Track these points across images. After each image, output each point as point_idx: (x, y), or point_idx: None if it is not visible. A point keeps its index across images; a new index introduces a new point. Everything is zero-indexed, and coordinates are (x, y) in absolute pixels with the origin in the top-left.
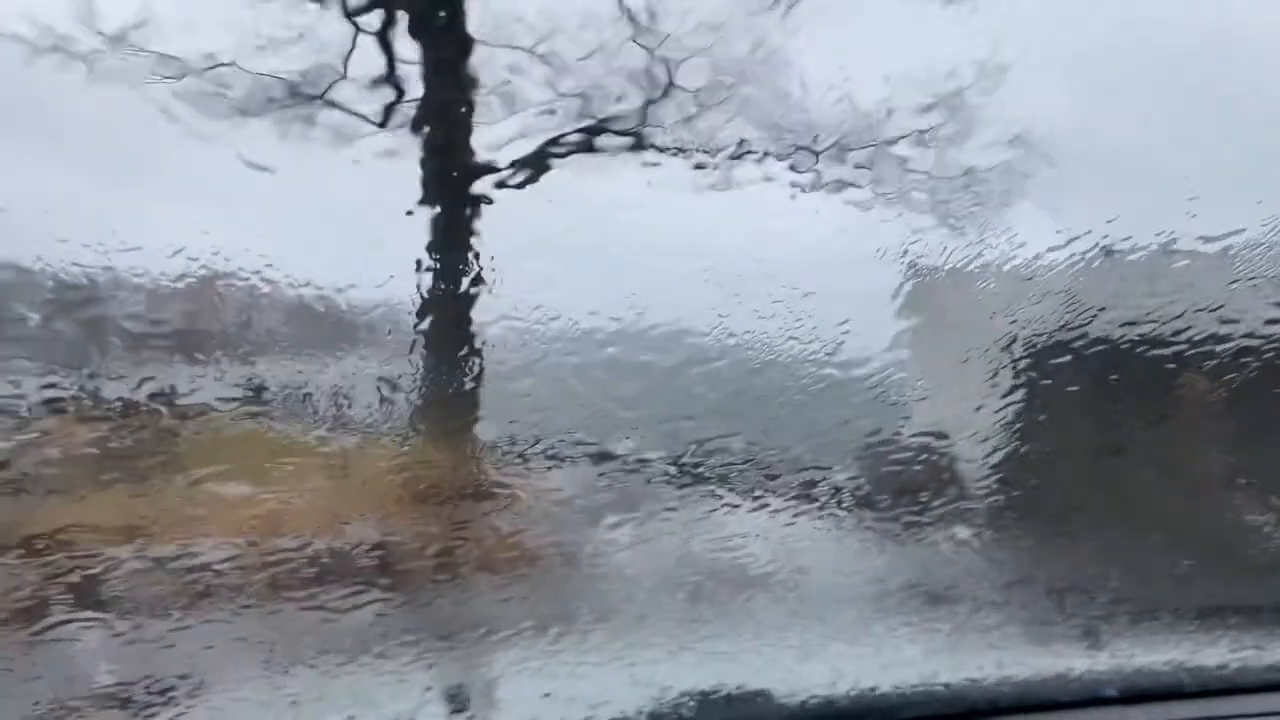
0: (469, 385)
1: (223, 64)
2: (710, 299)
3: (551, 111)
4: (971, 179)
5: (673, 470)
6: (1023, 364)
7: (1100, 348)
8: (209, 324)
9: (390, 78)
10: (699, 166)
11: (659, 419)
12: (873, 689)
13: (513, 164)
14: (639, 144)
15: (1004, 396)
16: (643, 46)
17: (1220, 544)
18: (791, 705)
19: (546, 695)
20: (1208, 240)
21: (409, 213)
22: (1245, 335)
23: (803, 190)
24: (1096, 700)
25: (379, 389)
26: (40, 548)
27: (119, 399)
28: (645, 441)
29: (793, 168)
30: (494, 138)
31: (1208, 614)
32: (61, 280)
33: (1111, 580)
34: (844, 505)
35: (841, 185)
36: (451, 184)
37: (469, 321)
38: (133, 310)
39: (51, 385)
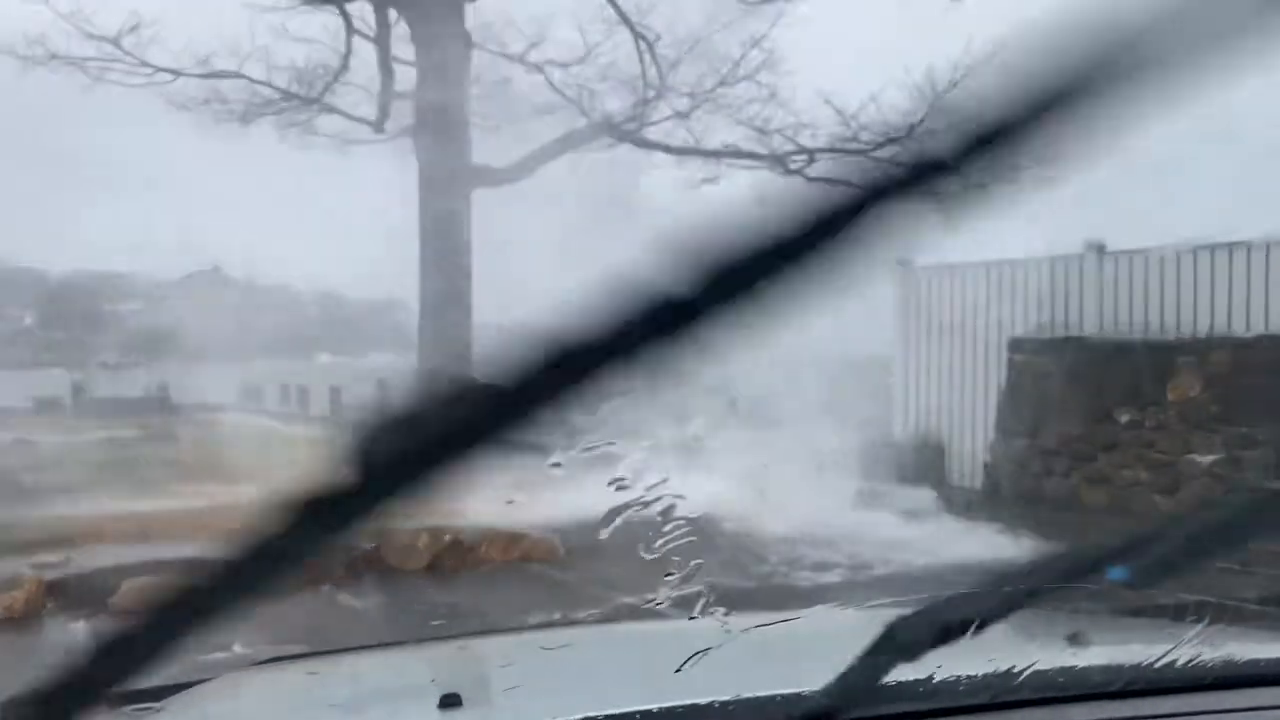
0: (467, 381)
1: (220, 70)
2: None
3: (546, 113)
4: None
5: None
6: (1013, 359)
7: (1089, 342)
8: (208, 324)
9: (387, 82)
10: (692, 166)
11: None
12: (860, 682)
13: (508, 166)
14: (633, 144)
15: (994, 390)
16: (635, 50)
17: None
18: (778, 698)
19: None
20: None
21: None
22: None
23: (793, 187)
24: (1078, 696)
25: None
26: None
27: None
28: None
29: (784, 166)
30: (489, 140)
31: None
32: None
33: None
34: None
35: (833, 183)
36: (448, 186)
37: (467, 319)
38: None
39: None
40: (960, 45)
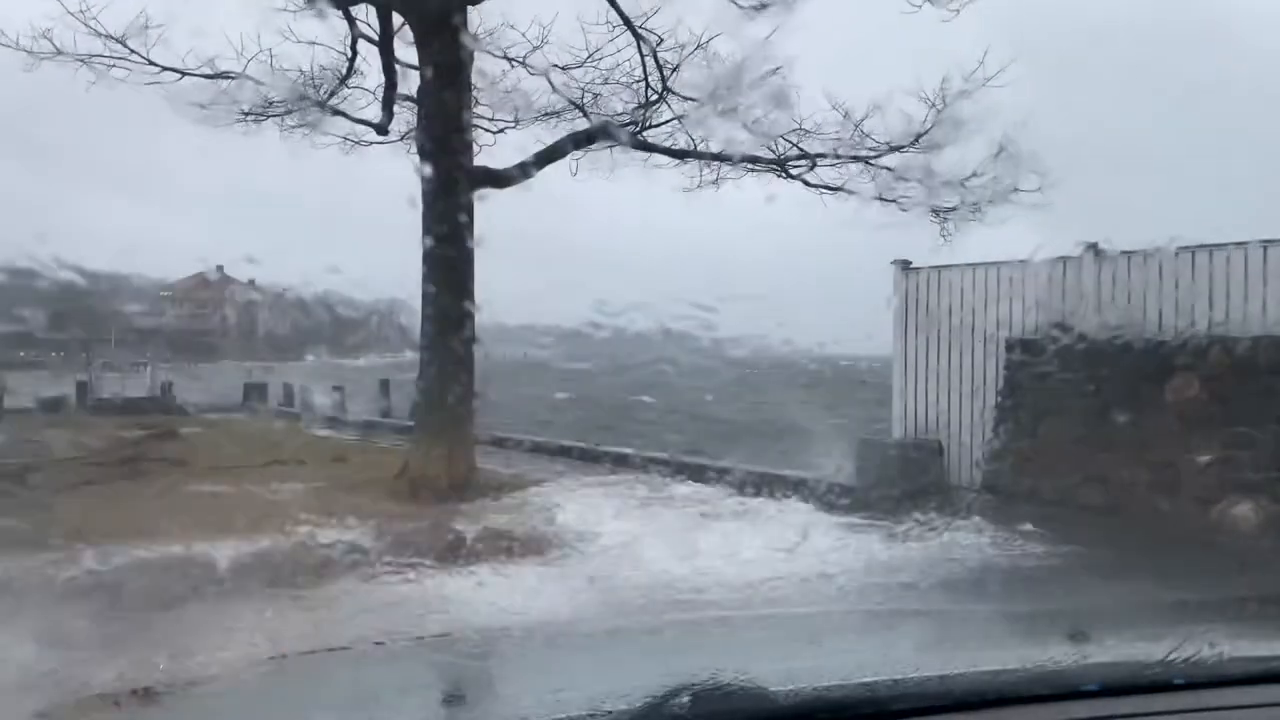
0: (468, 382)
1: (226, 71)
2: (704, 298)
3: (549, 116)
4: (962, 183)
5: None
6: (1011, 359)
7: (1087, 342)
8: (213, 325)
9: (391, 85)
10: (694, 169)
11: (656, 413)
12: (863, 681)
13: (511, 168)
14: (635, 148)
15: (993, 390)
16: (638, 53)
17: (1206, 538)
18: (784, 698)
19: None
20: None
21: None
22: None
23: (795, 193)
24: (1081, 693)
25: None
26: None
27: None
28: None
29: (786, 171)
30: (492, 142)
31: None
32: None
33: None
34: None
35: (833, 189)
36: (451, 188)
37: (469, 321)
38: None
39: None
40: (965, 54)
